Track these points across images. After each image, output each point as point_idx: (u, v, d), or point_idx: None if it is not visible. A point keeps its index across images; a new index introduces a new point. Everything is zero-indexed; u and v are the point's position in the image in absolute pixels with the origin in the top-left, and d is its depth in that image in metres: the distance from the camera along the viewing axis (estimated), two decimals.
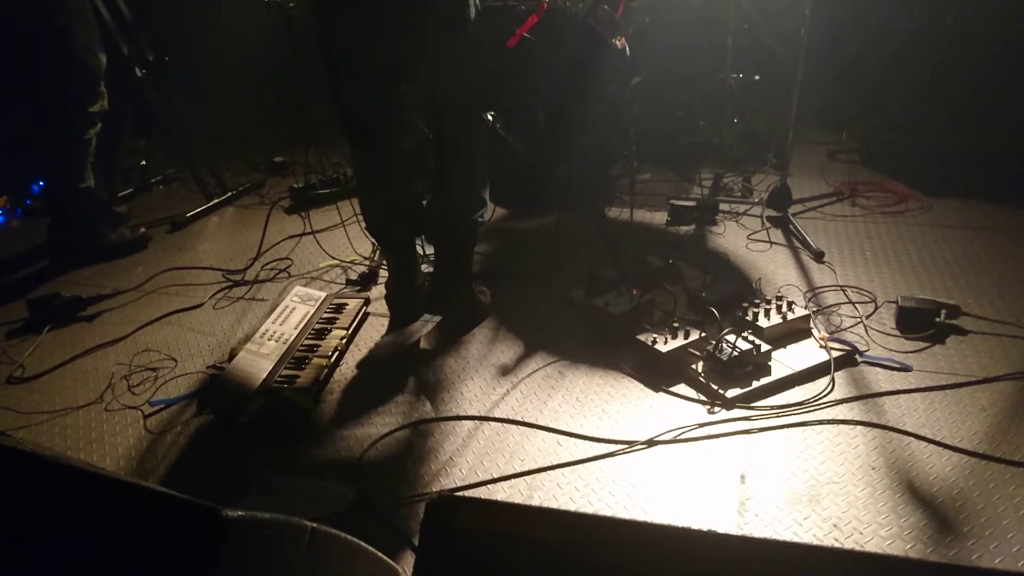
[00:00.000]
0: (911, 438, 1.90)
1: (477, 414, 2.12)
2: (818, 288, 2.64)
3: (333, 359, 2.37)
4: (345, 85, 2.30)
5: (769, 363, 2.17)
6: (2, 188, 3.99)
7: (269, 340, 2.41)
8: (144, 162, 4.24)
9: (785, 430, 1.97)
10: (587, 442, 1.98)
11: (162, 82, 3.68)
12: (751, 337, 2.17)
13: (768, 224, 3.15)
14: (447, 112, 2.38)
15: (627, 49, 3.21)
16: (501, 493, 1.84)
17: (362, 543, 1.00)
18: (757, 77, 3.70)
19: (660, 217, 3.30)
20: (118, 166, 3.92)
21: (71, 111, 3.16)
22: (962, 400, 2.03)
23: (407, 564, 1.58)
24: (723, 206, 3.34)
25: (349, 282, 2.94)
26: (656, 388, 2.17)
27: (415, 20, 2.17)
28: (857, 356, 2.22)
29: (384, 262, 2.97)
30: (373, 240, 2.88)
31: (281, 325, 2.50)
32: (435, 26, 2.20)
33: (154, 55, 3.62)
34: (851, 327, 2.39)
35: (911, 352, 2.25)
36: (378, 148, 2.40)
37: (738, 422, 2.00)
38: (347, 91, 2.30)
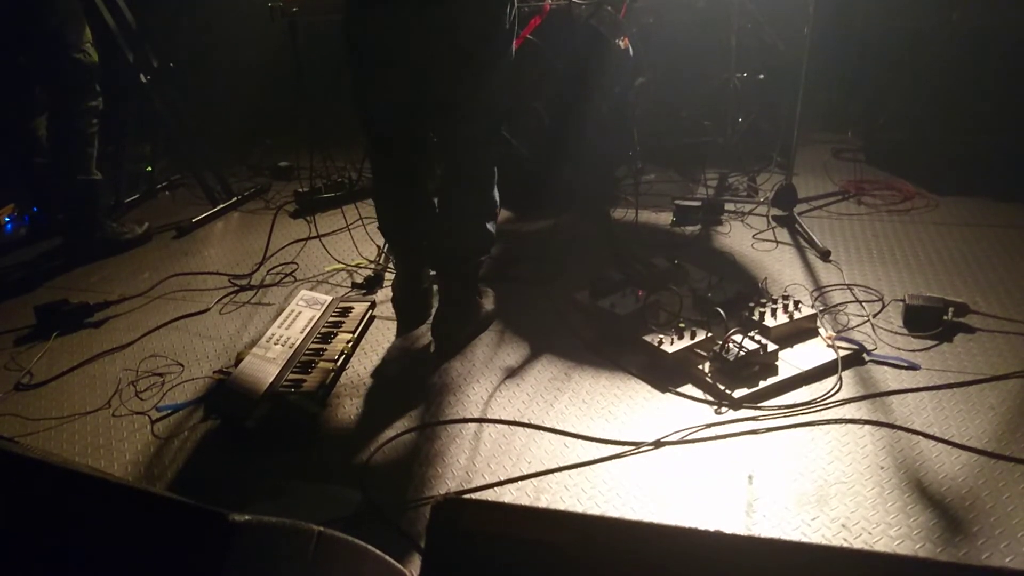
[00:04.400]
0: (919, 437, 1.89)
1: (483, 416, 2.12)
2: (824, 287, 2.63)
3: (339, 363, 2.38)
4: (373, 91, 2.27)
5: (776, 363, 2.16)
6: (9, 196, 4.01)
7: (275, 344, 2.42)
8: (149, 168, 4.26)
9: (793, 430, 1.96)
10: (594, 443, 1.98)
11: (167, 88, 3.70)
12: (758, 337, 2.16)
13: (774, 223, 3.15)
14: (458, 134, 2.33)
15: (630, 50, 3.21)
16: (508, 495, 1.84)
17: (369, 546, 1.00)
18: (761, 76, 3.69)
19: (665, 218, 3.30)
20: (124, 173, 3.95)
21: (70, 107, 3.27)
22: (971, 398, 2.02)
23: (414, 567, 1.58)
24: (728, 206, 3.33)
25: (355, 285, 2.94)
26: (663, 389, 2.16)
27: (443, 30, 2.11)
28: (864, 355, 2.22)
29: (390, 264, 2.98)
30: (383, 240, 2.87)
31: (287, 329, 2.50)
32: (461, 41, 2.13)
33: (159, 61, 3.64)
34: (858, 326, 2.38)
35: (919, 351, 2.24)
36: (399, 156, 2.38)
37: (745, 422, 2.00)
38: (374, 97, 2.28)
